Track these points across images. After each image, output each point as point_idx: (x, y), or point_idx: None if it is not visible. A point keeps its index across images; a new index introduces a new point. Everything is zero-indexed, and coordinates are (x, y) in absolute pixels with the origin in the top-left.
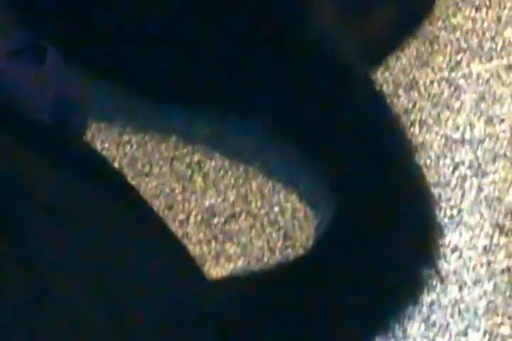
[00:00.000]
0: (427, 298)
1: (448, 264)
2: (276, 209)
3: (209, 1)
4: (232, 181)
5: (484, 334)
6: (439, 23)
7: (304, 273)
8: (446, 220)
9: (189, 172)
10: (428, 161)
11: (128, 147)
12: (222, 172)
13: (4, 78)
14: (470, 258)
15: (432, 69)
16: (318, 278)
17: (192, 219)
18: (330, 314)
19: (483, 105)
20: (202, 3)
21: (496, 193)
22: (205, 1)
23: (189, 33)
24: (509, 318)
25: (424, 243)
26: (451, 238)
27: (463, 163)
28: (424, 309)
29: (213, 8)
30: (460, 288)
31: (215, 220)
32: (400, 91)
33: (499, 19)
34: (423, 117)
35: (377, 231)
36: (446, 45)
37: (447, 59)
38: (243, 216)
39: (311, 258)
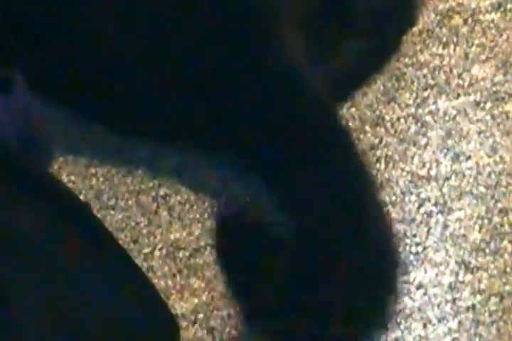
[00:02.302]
0: (391, 335)
1: (413, 301)
2: None
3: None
4: (198, 215)
5: None
6: (406, 60)
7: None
8: (411, 257)
9: (155, 205)
10: (394, 198)
11: (94, 180)
12: (187, 206)
13: None
14: (435, 295)
15: (399, 105)
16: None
17: (157, 253)
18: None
19: (449, 142)
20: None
21: (462, 230)
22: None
23: (154, 71)
24: None
25: (384, 280)
26: (416, 275)
27: (429, 199)
28: None
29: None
30: (424, 326)
31: (180, 254)
32: (367, 127)
33: (466, 56)
34: (389, 153)
35: (332, 263)
36: (413, 82)
37: (414, 95)
38: (208, 250)
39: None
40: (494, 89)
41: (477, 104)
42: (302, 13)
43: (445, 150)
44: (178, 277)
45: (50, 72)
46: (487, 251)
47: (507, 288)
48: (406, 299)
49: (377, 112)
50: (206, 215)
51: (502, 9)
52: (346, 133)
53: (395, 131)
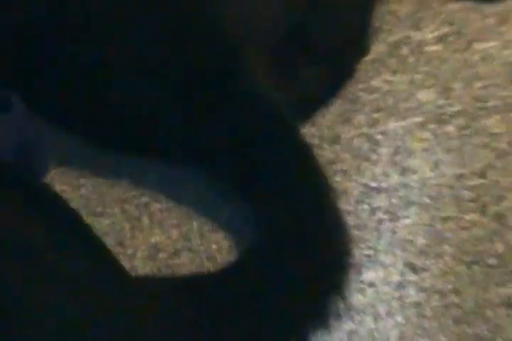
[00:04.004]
0: (346, 327)
1: (365, 298)
2: (214, 246)
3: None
4: (176, 221)
5: None
6: (360, 85)
7: (222, 290)
8: (364, 259)
9: (137, 212)
10: (348, 206)
11: (83, 189)
12: (166, 213)
13: None
14: (384, 292)
15: (353, 125)
16: (236, 298)
17: (139, 254)
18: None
19: (397, 158)
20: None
21: (408, 236)
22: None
23: (135, 93)
24: None
25: (338, 278)
26: (368, 275)
27: (379, 208)
28: (345, 337)
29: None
30: (375, 319)
31: (160, 255)
32: (325, 145)
33: (412, 82)
34: (344, 167)
35: (294, 264)
36: (366, 105)
37: (367, 117)
38: (185, 252)
39: (229, 279)
40: (437, 111)
41: (422, 125)
42: (269, 42)
43: (394, 165)
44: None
45: (43, 92)
46: (430, 254)
47: (448, 286)
48: (359, 296)
49: (335, 131)
50: (183, 221)
51: (444, 42)
52: (307, 147)
53: (350, 148)
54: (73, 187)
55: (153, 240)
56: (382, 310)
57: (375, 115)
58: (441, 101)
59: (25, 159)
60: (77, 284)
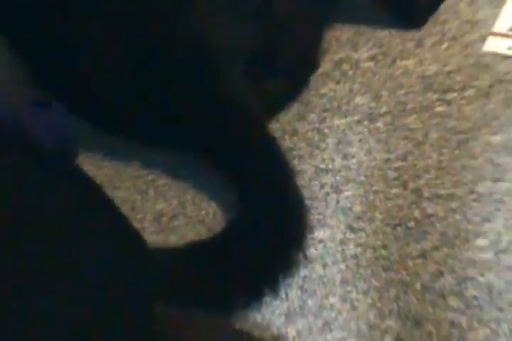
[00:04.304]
0: (300, 273)
1: (316, 251)
2: (204, 212)
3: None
4: (175, 193)
5: (339, 299)
6: (312, 92)
7: (215, 250)
8: (315, 222)
9: (145, 186)
10: (304, 183)
11: (105, 169)
12: (167, 187)
13: (27, 120)
14: (331, 247)
15: (307, 122)
16: (225, 254)
17: (147, 218)
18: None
19: (340, 146)
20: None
21: (348, 205)
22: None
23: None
24: (356, 287)
25: (298, 236)
26: (319, 234)
27: (326, 184)
28: (300, 280)
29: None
30: (324, 267)
31: (163, 219)
32: (286, 136)
33: (351, 90)
34: (301, 153)
35: (268, 226)
36: (316, 107)
37: (317, 116)
38: (181, 217)
39: (220, 240)
40: (369, 112)
41: (358, 121)
42: (241, 56)
43: (337, 152)
44: (160, 234)
45: (74, 101)
46: (365, 218)
47: (378, 243)
48: (312, 249)
49: (293, 126)
50: (181, 193)
51: (374, 60)
52: (272, 138)
53: (305, 139)
54: (97, 167)
55: (157, 208)
56: (329, 260)
57: (324, 114)
58: (372, 104)
59: (62, 146)
60: (98, 239)
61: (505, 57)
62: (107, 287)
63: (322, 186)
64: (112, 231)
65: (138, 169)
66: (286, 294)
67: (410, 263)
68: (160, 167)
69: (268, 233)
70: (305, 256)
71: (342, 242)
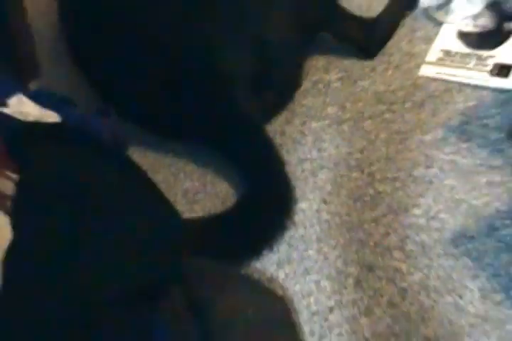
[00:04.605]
0: (288, 233)
1: (298, 217)
2: (218, 189)
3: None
4: (198, 175)
5: (315, 252)
6: (296, 103)
7: (228, 217)
8: (298, 196)
9: (177, 171)
10: (290, 169)
11: (149, 158)
12: (192, 172)
13: (94, 124)
14: (309, 215)
15: (293, 125)
16: (235, 221)
17: (178, 194)
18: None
19: (316, 143)
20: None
21: (322, 184)
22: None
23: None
24: (327, 244)
25: (287, 207)
26: (299, 205)
27: (306, 169)
28: (287, 239)
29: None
30: (304, 229)
31: (188, 195)
32: (277, 136)
33: (324, 102)
34: (288, 148)
35: (266, 200)
36: (299, 114)
37: (300, 120)
38: (203, 194)
39: (231, 211)
40: (337, 118)
41: (329, 125)
42: (247, 77)
43: (314, 147)
44: (187, 205)
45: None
46: (334, 194)
47: (343, 211)
48: (295, 216)
49: (282, 128)
50: (203, 176)
51: (341, 80)
52: (267, 137)
53: (291, 138)
54: (143, 157)
55: (185, 186)
56: (308, 224)
57: (304, 119)
58: (339, 113)
59: (117, 141)
60: (145, 207)
61: (434, 80)
62: (153, 241)
63: (303, 171)
64: (154, 202)
65: (172, 158)
66: (278, 249)
67: (366, 226)
68: (187, 157)
69: (266, 205)
70: (291, 221)
71: (317, 211)
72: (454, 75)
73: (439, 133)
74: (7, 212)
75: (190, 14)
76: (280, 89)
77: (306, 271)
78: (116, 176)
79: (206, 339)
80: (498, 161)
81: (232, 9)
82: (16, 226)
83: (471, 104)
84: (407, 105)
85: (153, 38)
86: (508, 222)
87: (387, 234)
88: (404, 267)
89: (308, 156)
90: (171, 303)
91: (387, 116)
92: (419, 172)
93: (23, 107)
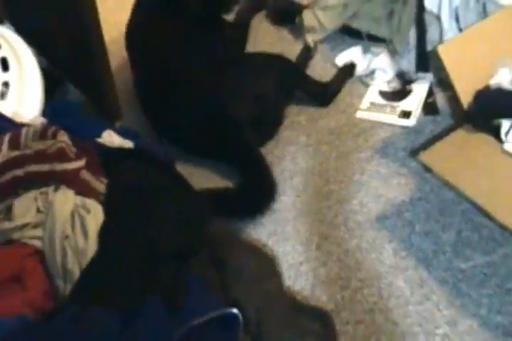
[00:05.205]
0: (271, 216)
1: (280, 205)
2: (224, 184)
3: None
4: (208, 174)
5: (292, 227)
6: (279, 134)
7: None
8: (280, 191)
9: (200, 173)
10: (275, 174)
11: (186, 168)
12: (209, 172)
13: (151, 147)
14: (287, 203)
15: (278, 149)
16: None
17: (200, 184)
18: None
19: (292, 159)
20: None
21: (295, 184)
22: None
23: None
24: (300, 221)
25: (272, 195)
26: (281, 197)
27: (286, 175)
28: (273, 218)
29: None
30: (284, 212)
31: (204, 184)
32: (268, 155)
33: (298, 133)
34: (274, 162)
35: (255, 192)
36: (280, 144)
37: (281, 145)
38: (214, 184)
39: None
40: (305, 144)
41: (300, 148)
42: (248, 118)
43: (290, 162)
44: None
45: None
46: (302, 190)
47: (312, 201)
48: (276, 204)
49: (270, 150)
50: (211, 175)
51: (308, 120)
52: (261, 155)
53: (275, 156)
54: (183, 167)
55: (203, 185)
56: (286, 209)
57: (284, 145)
58: (306, 141)
59: (166, 158)
60: (182, 198)
61: (365, 120)
62: (189, 218)
63: (283, 176)
64: (190, 196)
65: (200, 168)
66: (267, 225)
67: (324, 211)
68: (210, 166)
69: (260, 193)
70: (275, 207)
71: (293, 202)
72: (377, 118)
73: (369, 153)
74: (101, 203)
75: (214, 79)
76: (269, 126)
77: (286, 239)
78: (167, 180)
79: (225, 285)
80: (404, 170)
81: (239, 77)
82: (106, 212)
83: (387, 135)
84: (349, 135)
85: (190, 96)
86: (410, 207)
87: (336, 216)
88: (347, 236)
89: (287, 167)
90: (197, 262)
91: (336, 142)
92: (356, 177)
93: (111, 138)
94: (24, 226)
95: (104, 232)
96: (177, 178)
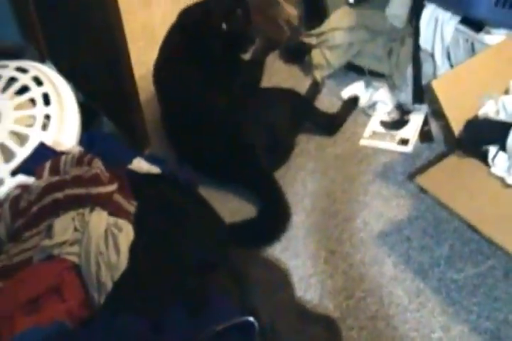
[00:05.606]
0: (287, 233)
1: (292, 224)
2: (247, 208)
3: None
4: (230, 198)
5: (301, 244)
6: (291, 159)
7: (253, 224)
8: (292, 212)
9: (221, 197)
10: (288, 197)
11: (209, 191)
12: (231, 197)
13: (176, 173)
14: (297, 222)
15: (289, 173)
16: (257, 225)
17: (224, 212)
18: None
19: (302, 183)
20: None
21: (305, 205)
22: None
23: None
24: (311, 233)
25: (286, 217)
26: (293, 217)
27: (297, 198)
28: (286, 235)
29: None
30: (295, 229)
31: (230, 211)
32: (280, 180)
33: (306, 161)
34: (287, 186)
35: (271, 211)
36: (290, 170)
37: (292, 171)
38: (238, 211)
39: (255, 220)
40: (314, 169)
41: (309, 173)
42: (263, 145)
43: (300, 186)
44: (228, 217)
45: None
46: (312, 210)
47: (321, 217)
48: (290, 224)
49: (282, 175)
50: (237, 199)
51: (316, 148)
52: (275, 180)
53: (288, 181)
54: (205, 190)
55: (228, 206)
56: (297, 228)
57: (296, 170)
58: (315, 166)
59: (190, 182)
60: (204, 220)
61: (368, 147)
62: (210, 238)
63: (295, 198)
64: (211, 217)
65: (220, 191)
66: (281, 241)
67: (330, 228)
68: (229, 191)
69: (275, 216)
70: (288, 225)
71: (303, 221)
72: (379, 145)
73: (371, 177)
74: (131, 222)
75: (232, 111)
76: (282, 153)
77: (297, 254)
78: (191, 202)
79: (243, 296)
80: (402, 192)
81: (255, 109)
82: (136, 231)
83: (388, 160)
84: (353, 161)
85: (211, 127)
86: (408, 225)
87: (342, 233)
88: (351, 251)
89: (298, 190)
90: (218, 275)
91: (342, 167)
92: (360, 198)
93: (140, 164)
94: (63, 243)
95: (134, 249)
96: (200, 201)
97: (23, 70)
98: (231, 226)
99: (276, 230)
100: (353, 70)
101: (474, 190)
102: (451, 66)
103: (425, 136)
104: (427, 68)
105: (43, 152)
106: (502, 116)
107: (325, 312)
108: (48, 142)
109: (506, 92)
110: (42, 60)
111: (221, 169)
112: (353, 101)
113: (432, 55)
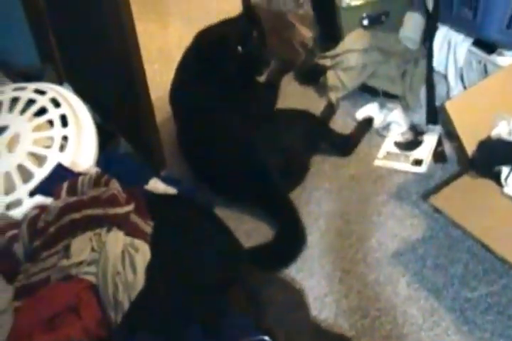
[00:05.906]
0: (302, 254)
1: (307, 244)
2: (264, 230)
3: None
4: (245, 219)
5: (317, 264)
6: (304, 182)
7: (270, 247)
8: (307, 233)
9: (233, 216)
10: (302, 217)
11: (223, 210)
12: (239, 219)
13: (192, 193)
14: (313, 243)
15: (304, 194)
16: (273, 247)
17: (239, 232)
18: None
19: (317, 204)
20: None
21: (320, 226)
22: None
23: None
24: (327, 261)
25: (302, 239)
26: (309, 238)
27: (312, 218)
28: (301, 256)
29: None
30: (311, 250)
31: (245, 233)
32: (296, 200)
33: (320, 178)
34: (302, 206)
35: (287, 230)
36: (305, 191)
37: (308, 191)
38: (253, 232)
39: (271, 243)
40: (329, 190)
41: (324, 194)
42: (278, 167)
43: (316, 206)
44: (244, 238)
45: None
46: (326, 230)
47: (336, 235)
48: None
49: (297, 196)
50: (252, 220)
51: (331, 168)
52: (290, 200)
53: (303, 201)
54: (221, 210)
55: (243, 228)
56: (312, 248)
57: (310, 191)
58: (330, 186)
59: (206, 202)
60: (220, 242)
61: (383, 167)
62: (226, 259)
63: (309, 219)
64: (227, 239)
65: (236, 212)
66: (296, 261)
67: (345, 249)
68: (245, 212)
69: (290, 238)
70: (304, 246)
71: (318, 241)
72: (393, 165)
73: (385, 197)
74: (148, 243)
75: (248, 133)
76: (297, 173)
77: (312, 274)
78: (207, 223)
79: (258, 315)
80: (416, 212)
81: (271, 130)
82: (152, 251)
83: (402, 181)
84: (368, 181)
85: (227, 148)
86: (422, 244)
87: (356, 253)
88: (366, 271)
89: (313, 211)
90: (234, 295)
91: (356, 187)
92: (374, 218)
93: (156, 185)
94: (80, 263)
95: (150, 269)
96: (215, 221)
97: (41, 92)
98: (248, 251)
99: (293, 253)
100: (367, 92)
101: (487, 210)
102: (465, 87)
103: (439, 156)
104: (440, 89)
105: (60, 173)
106: None
107: (340, 332)
108: (66, 163)
109: None
110: (60, 81)
111: (236, 190)
112: (368, 122)
113: (446, 77)
